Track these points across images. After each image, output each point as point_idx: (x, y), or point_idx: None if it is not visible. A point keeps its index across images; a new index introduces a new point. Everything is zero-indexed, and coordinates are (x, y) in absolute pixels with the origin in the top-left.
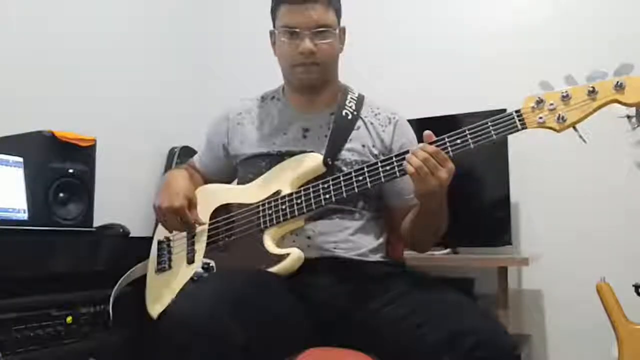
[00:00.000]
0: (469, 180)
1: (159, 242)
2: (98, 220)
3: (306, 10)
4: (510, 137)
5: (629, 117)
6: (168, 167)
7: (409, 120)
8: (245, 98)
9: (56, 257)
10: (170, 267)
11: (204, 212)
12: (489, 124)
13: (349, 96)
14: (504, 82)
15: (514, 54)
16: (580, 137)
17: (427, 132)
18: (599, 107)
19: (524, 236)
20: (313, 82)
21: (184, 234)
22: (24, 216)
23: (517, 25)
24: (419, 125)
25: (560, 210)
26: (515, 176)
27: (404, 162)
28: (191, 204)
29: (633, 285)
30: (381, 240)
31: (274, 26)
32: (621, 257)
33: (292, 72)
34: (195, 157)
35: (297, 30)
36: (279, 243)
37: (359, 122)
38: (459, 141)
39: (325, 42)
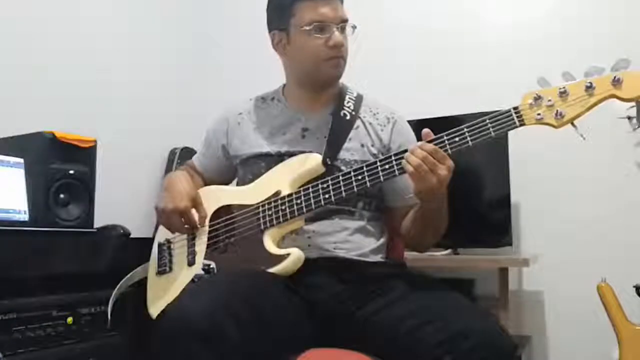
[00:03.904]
0: (470, 181)
1: (160, 245)
2: (98, 221)
3: (332, 4)
4: (510, 138)
5: (629, 118)
6: (168, 168)
7: (408, 121)
8: (245, 99)
9: (57, 258)
10: (171, 269)
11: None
12: (487, 121)
13: (347, 96)
14: (505, 82)
15: (515, 54)
16: (579, 133)
17: (425, 130)
18: (597, 103)
19: (525, 237)
20: (338, 77)
21: (185, 235)
22: (25, 217)
23: (517, 25)
24: (419, 126)
25: (560, 211)
26: (515, 177)
27: (403, 161)
28: (195, 204)
29: (634, 286)
30: (382, 240)
31: (283, 25)
32: (622, 258)
33: (321, 67)
34: (195, 158)
35: (327, 24)
36: (279, 243)
37: (358, 122)
38: (457, 139)
39: (345, 37)
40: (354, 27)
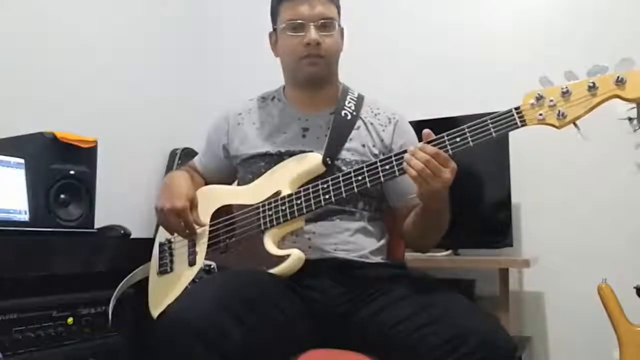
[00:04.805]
0: (470, 181)
1: (161, 244)
2: (99, 222)
3: (311, 2)
4: (511, 139)
5: (630, 118)
6: (169, 168)
7: (409, 122)
8: (245, 98)
9: (57, 259)
10: (171, 269)
11: (204, 214)
12: (489, 121)
13: (348, 96)
14: (506, 82)
15: (515, 54)
16: (581, 134)
17: (426, 131)
18: (600, 103)
19: (525, 238)
20: (319, 75)
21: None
22: (25, 217)
23: (517, 25)
24: (420, 127)
25: (561, 212)
26: (516, 178)
27: (405, 164)
28: (193, 205)
29: (634, 287)
30: (382, 241)
31: (275, 26)
32: (622, 259)
33: (298, 65)
34: (196, 158)
35: (303, 22)
36: (280, 244)
37: (359, 122)
38: (458, 139)
39: (329, 35)
40: (341, 30)
